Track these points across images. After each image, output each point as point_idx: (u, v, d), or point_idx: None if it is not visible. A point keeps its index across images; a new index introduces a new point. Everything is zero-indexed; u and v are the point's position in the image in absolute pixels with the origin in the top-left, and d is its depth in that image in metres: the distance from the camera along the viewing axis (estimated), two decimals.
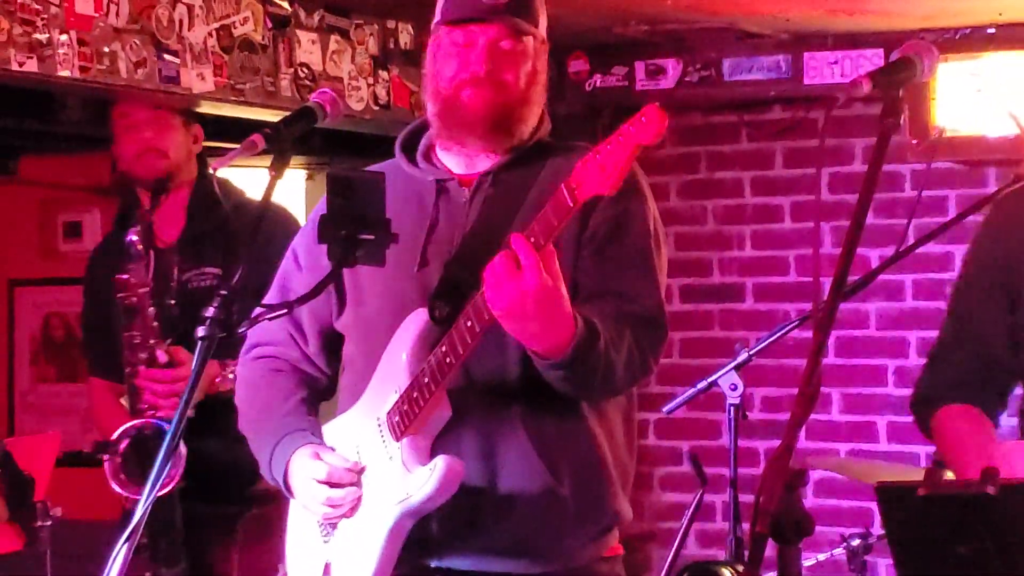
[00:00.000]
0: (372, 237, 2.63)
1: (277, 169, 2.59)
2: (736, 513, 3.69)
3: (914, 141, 5.71)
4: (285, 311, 2.65)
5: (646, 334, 2.80)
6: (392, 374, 2.82)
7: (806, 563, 4.75)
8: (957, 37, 5.66)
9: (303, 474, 2.86)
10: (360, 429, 2.87)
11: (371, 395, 2.87)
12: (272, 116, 4.66)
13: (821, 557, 4.72)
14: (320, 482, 2.83)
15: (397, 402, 2.79)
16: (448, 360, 2.70)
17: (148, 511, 2.31)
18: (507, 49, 2.84)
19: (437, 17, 2.94)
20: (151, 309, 4.02)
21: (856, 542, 4.52)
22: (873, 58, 5.75)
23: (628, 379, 2.80)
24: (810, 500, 5.97)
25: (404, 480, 2.76)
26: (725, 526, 3.69)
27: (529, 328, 2.61)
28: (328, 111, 2.71)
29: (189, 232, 4.19)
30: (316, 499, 2.84)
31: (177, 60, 4.51)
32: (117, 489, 3.98)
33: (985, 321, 2.99)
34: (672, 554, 4.05)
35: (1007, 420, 3.11)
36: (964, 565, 2.14)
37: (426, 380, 2.73)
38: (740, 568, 3.11)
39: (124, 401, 4.11)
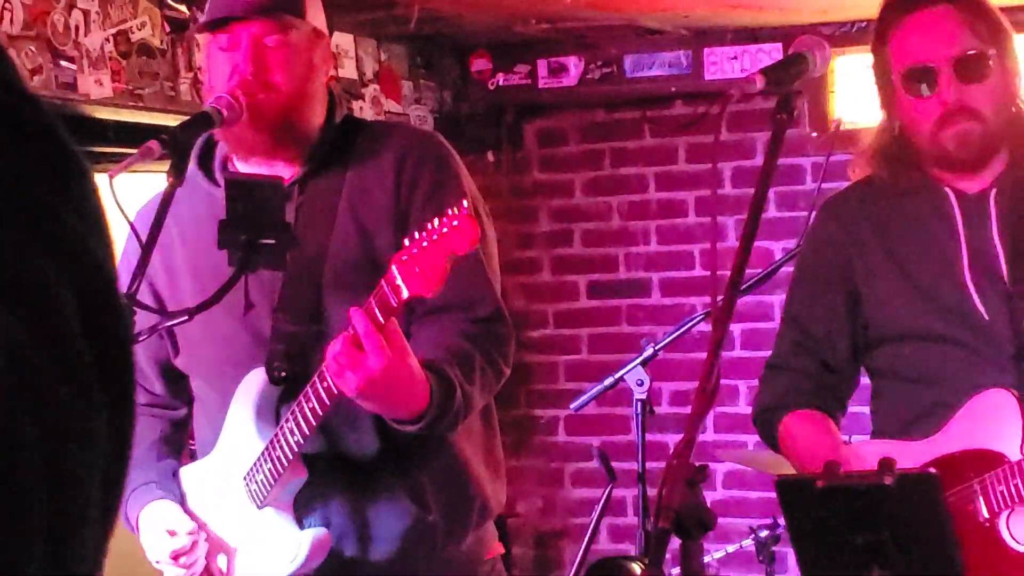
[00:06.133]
0: (273, 242, 2.61)
1: (175, 175, 2.56)
2: (644, 508, 3.72)
3: (813, 134, 5.78)
4: (185, 318, 2.62)
5: (493, 343, 2.71)
6: (242, 436, 2.78)
7: (716, 555, 4.79)
8: (853, 30, 5.71)
9: (149, 539, 2.83)
10: (222, 487, 2.84)
11: (225, 449, 2.84)
12: (172, 121, 4.61)
13: (730, 548, 4.76)
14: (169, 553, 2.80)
15: (251, 469, 2.75)
16: (295, 439, 2.64)
17: None
18: (273, 46, 2.69)
19: (200, 24, 2.82)
20: None
21: (764, 533, 4.56)
22: (772, 52, 5.79)
23: (486, 398, 2.75)
24: (719, 492, 6.02)
25: (272, 553, 2.74)
26: (636, 520, 3.72)
27: (382, 404, 2.54)
28: (225, 116, 2.65)
29: None
30: (165, 556, 2.82)
31: (74, 66, 4.46)
32: None
33: (826, 328, 2.93)
34: (583, 549, 4.06)
35: (857, 408, 3.09)
36: (861, 555, 2.18)
37: (277, 454, 2.69)
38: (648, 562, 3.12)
39: None
